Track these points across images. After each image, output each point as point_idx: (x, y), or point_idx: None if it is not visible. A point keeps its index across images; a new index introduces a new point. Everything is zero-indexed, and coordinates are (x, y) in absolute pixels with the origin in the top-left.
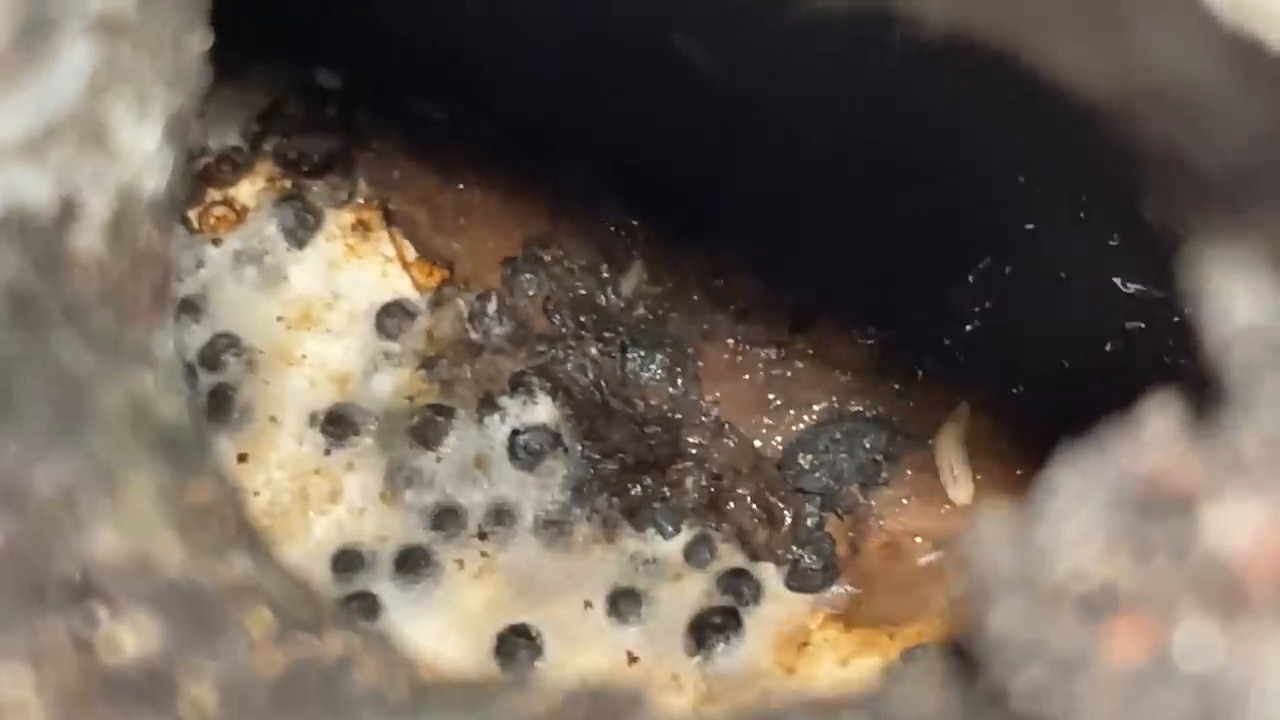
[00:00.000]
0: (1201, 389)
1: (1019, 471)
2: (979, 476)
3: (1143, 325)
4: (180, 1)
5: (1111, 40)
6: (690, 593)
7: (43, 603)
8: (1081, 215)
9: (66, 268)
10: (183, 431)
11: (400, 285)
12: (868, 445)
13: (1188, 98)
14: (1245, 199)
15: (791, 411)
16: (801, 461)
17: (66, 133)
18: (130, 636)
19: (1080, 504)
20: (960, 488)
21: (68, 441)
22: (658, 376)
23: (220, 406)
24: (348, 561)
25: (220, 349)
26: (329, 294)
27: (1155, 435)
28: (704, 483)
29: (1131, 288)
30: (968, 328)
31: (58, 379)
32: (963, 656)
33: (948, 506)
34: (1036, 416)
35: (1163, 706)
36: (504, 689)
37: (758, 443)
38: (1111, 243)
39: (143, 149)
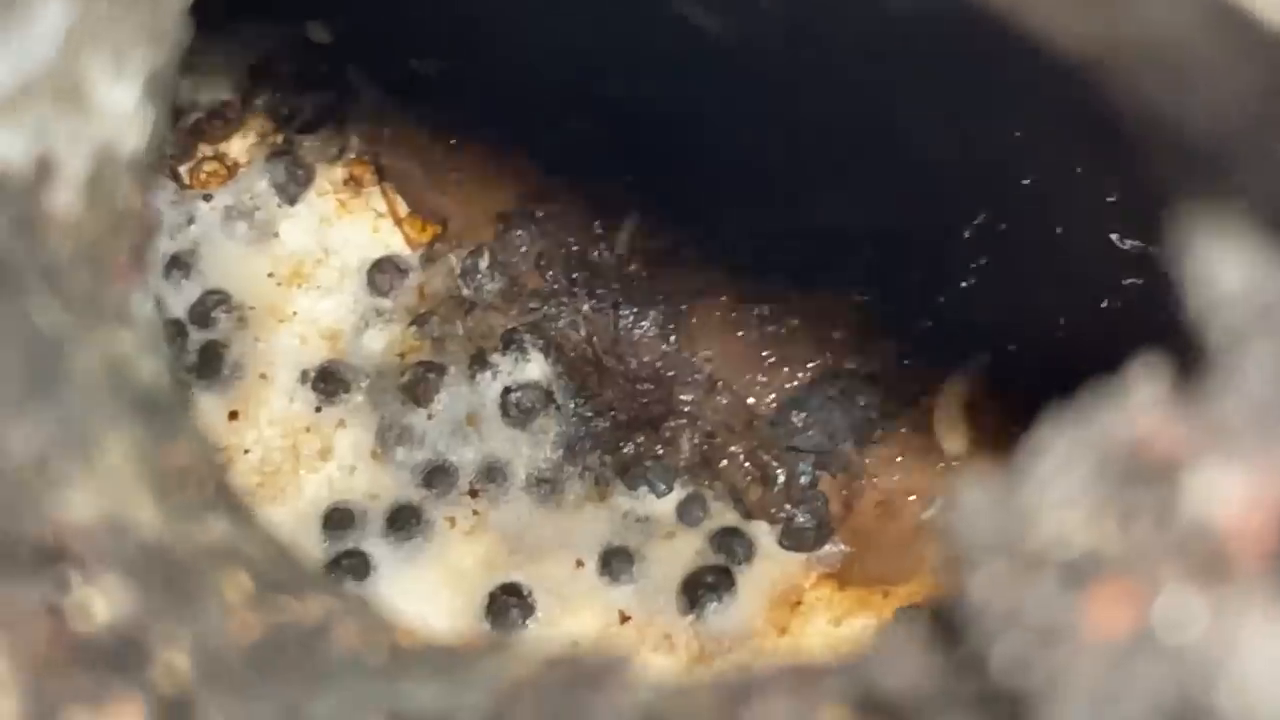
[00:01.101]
0: (1191, 350)
1: (1013, 428)
2: (974, 433)
3: (1140, 281)
4: None
5: None
6: (683, 551)
7: (14, 567)
8: (1078, 170)
9: (43, 228)
10: (161, 393)
11: (392, 241)
12: (862, 403)
13: (1171, 57)
14: (1231, 161)
15: (785, 369)
16: (795, 419)
17: (42, 91)
18: (102, 602)
19: (1065, 468)
20: (954, 439)
21: (41, 403)
22: (650, 334)
23: (211, 363)
24: (339, 519)
25: (211, 305)
26: (320, 250)
27: (1141, 399)
28: (697, 441)
29: (1129, 244)
30: (963, 285)
31: (32, 340)
32: (946, 622)
33: (942, 464)
34: (1032, 374)
35: (1144, 677)
36: (484, 652)
37: (751, 400)
38: (1109, 199)
39: (120, 107)
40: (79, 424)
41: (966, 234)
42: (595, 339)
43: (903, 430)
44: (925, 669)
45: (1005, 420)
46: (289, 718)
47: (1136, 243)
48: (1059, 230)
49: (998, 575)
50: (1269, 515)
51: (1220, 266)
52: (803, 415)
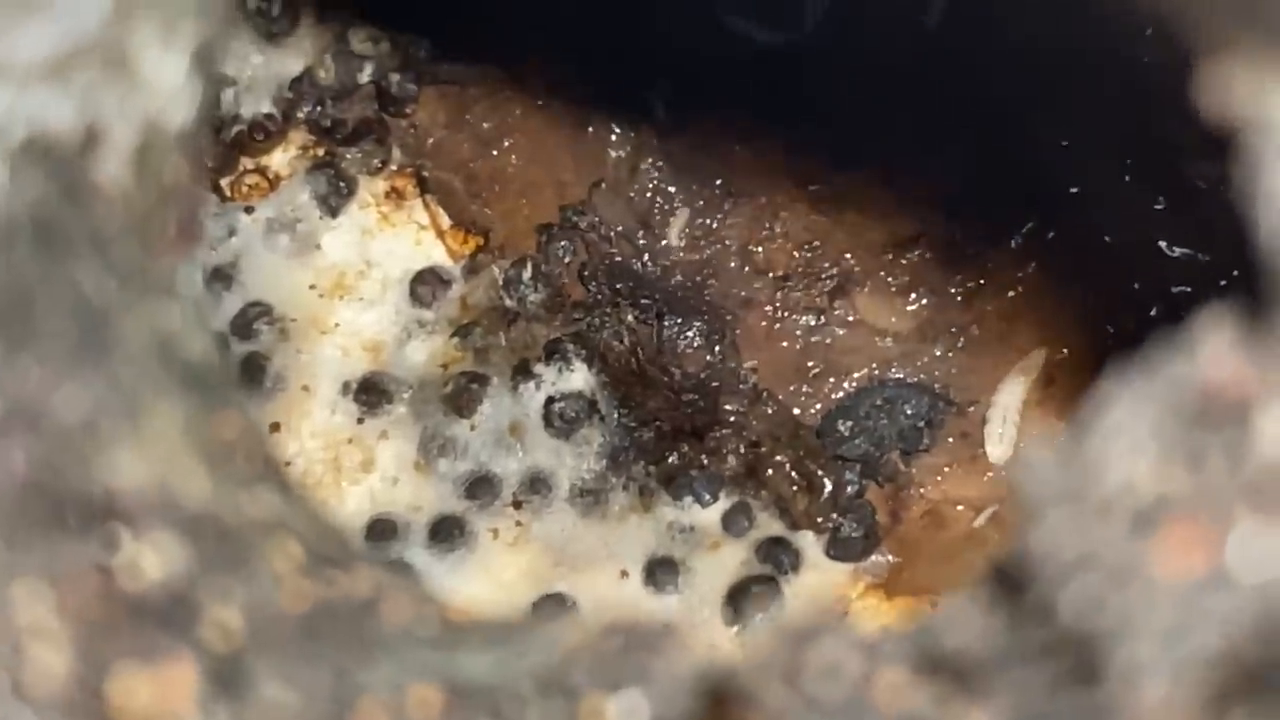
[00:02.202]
0: (1254, 306)
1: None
2: (1021, 444)
3: (1189, 289)
4: None
5: None
6: (728, 562)
7: (64, 527)
8: (1127, 178)
9: (90, 196)
10: (209, 368)
11: (434, 253)
12: (909, 412)
13: None
14: None
15: (831, 379)
16: (841, 429)
17: (91, 58)
18: (152, 560)
19: (1131, 417)
20: (1002, 444)
21: (89, 368)
22: (695, 343)
23: (253, 375)
24: (381, 531)
25: (252, 318)
26: (362, 262)
27: (1209, 347)
28: (742, 450)
29: (1177, 251)
30: (1010, 294)
31: (80, 307)
32: (1006, 579)
33: (990, 474)
34: (1080, 382)
35: (1218, 614)
36: (538, 624)
37: (796, 410)
38: (1157, 206)
39: (169, 79)
40: (127, 391)
41: (1015, 241)
42: (639, 349)
43: (950, 439)
44: (987, 627)
45: (1051, 429)
46: (340, 682)
47: (1185, 250)
48: (1107, 238)
49: (1065, 524)
50: None
51: None
52: (849, 424)
